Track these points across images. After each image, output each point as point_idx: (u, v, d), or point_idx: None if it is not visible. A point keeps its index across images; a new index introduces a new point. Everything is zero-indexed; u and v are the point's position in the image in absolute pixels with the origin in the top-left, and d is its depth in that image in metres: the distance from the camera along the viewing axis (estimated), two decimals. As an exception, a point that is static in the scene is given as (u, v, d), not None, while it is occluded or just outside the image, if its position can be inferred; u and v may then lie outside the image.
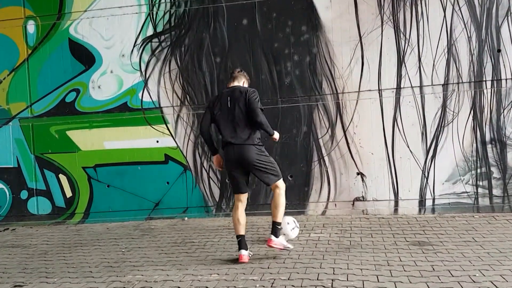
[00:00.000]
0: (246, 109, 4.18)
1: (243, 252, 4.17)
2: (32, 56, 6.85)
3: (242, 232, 4.23)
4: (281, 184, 4.29)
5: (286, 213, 6.04)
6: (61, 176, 6.80)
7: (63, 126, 6.78)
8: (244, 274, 3.81)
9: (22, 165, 6.89)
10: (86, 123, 6.72)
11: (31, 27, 6.82)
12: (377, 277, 3.57)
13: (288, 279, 3.62)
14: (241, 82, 4.45)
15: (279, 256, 4.29)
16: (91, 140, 6.71)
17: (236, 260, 4.20)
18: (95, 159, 6.71)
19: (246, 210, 6.17)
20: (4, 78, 6.91)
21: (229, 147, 4.21)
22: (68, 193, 6.79)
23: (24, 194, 6.87)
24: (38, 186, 6.85)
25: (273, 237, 4.18)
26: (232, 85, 4.41)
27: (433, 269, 3.72)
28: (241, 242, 4.21)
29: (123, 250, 4.94)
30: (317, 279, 3.57)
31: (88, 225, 6.50)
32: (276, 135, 4.44)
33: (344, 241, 4.70)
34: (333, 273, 3.69)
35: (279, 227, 4.24)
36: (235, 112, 4.20)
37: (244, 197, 4.34)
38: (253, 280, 3.65)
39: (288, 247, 4.28)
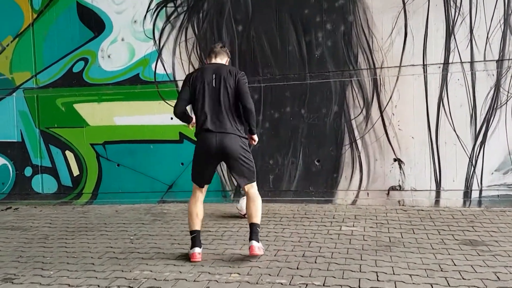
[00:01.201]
0: (234, 94, 3.58)
1: (197, 249, 3.62)
2: (38, 21, 6.28)
3: (198, 227, 3.69)
4: (255, 184, 3.74)
5: (311, 201, 5.50)
6: (67, 152, 6.30)
7: (70, 99, 6.24)
8: (269, 275, 3.23)
9: (26, 139, 6.39)
10: (95, 96, 6.17)
11: (36, -12, 6.24)
12: (432, 286, 2.96)
13: (323, 285, 3.03)
14: (224, 60, 3.81)
15: (309, 252, 3.70)
16: (100, 114, 6.17)
17: (258, 258, 3.62)
18: (104, 136, 6.18)
19: (267, 197, 5.66)
20: (7, 45, 6.37)
21: (208, 134, 3.57)
22: (75, 172, 6.30)
23: (28, 171, 6.39)
24: (43, 163, 6.36)
25: (255, 243, 3.55)
26: (213, 61, 3.76)
27: (498, 277, 3.09)
28: (196, 239, 3.66)
29: (131, 238, 4.41)
30: (359, 287, 2.97)
31: (96, 207, 6.01)
32: (256, 137, 3.85)
33: (382, 237, 4.08)
34: (377, 279, 3.09)
35: (259, 229, 3.65)
36: (220, 94, 3.57)
37: (206, 188, 3.78)
38: (281, 284, 3.07)
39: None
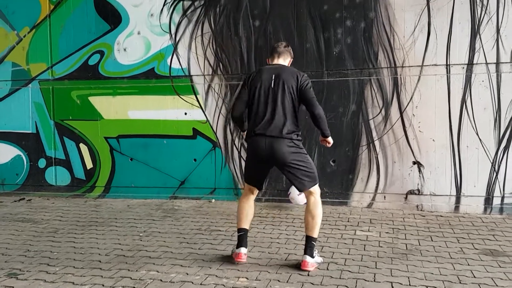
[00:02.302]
0: (293, 98, 3.34)
1: (243, 250, 3.44)
2: (55, 12, 6.24)
3: (247, 225, 3.51)
4: (317, 189, 3.46)
5: (325, 203, 5.34)
6: (81, 145, 6.27)
7: (85, 91, 6.20)
8: (279, 281, 3.11)
9: (41, 131, 6.39)
10: (110, 89, 6.12)
11: (54, -21, 6.21)
12: (449, 300, 2.81)
13: (335, 293, 2.90)
14: (287, 61, 3.58)
15: (321, 257, 3.57)
16: (114, 108, 6.13)
17: (268, 261, 3.51)
18: (118, 129, 6.14)
19: (279, 196, 5.53)
20: (24, 36, 6.36)
21: (259, 138, 3.37)
22: (89, 164, 6.27)
23: (42, 163, 6.39)
24: (57, 155, 6.35)
25: (308, 258, 3.31)
26: (275, 62, 3.53)
27: (520, 293, 2.92)
28: (243, 238, 3.48)
29: (140, 235, 4.34)
30: (372, 297, 2.84)
31: (108, 200, 5.97)
32: (331, 140, 3.58)
33: (398, 244, 3.93)
34: (392, 290, 2.94)
35: (315, 243, 3.37)
36: (278, 96, 3.33)
37: (257, 190, 3.59)
38: (290, 291, 2.95)
39: (320, 262, 3.45)
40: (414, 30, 5.05)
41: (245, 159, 3.52)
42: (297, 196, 4.68)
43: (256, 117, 3.41)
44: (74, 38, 6.18)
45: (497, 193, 4.92)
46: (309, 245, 3.34)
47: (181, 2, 5.80)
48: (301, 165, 3.38)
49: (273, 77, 3.39)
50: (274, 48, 3.61)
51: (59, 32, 6.24)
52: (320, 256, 3.51)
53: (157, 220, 4.91)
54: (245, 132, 3.63)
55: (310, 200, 3.42)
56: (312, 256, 3.33)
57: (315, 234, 3.36)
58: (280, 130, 3.33)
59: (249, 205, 3.54)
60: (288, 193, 4.87)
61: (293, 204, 4.95)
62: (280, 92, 3.35)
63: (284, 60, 3.57)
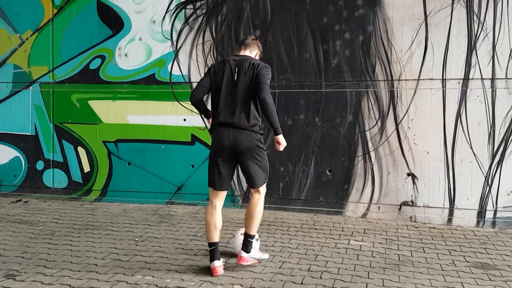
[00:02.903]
0: (253, 86, 3.32)
1: (217, 263, 3.37)
2: (58, 16, 6.31)
3: (216, 239, 3.42)
4: (264, 189, 3.50)
5: (320, 212, 5.41)
6: (79, 148, 6.31)
7: (85, 95, 6.25)
8: (272, 289, 3.17)
9: (40, 133, 6.43)
10: (110, 94, 6.17)
11: (58, -16, 6.28)
12: (439, 311, 2.87)
13: (327, 302, 2.95)
14: (254, 53, 3.56)
15: (315, 266, 3.63)
16: (114, 112, 6.18)
17: (262, 269, 3.56)
18: (117, 133, 6.18)
19: (276, 204, 5.60)
20: (26, 39, 6.42)
21: (222, 129, 3.34)
22: (86, 168, 6.31)
23: (40, 165, 6.43)
24: (55, 158, 6.39)
25: (243, 254, 3.41)
26: (241, 53, 3.52)
27: (509, 306, 2.98)
28: (215, 252, 3.39)
29: (136, 240, 4.38)
30: (363, 307, 2.89)
31: (105, 204, 6.01)
32: (282, 140, 3.47)
33: (391, 255, 3.98)
34: (383, 300, 3.00)
35: (251, 240, 3.42)
36: (239, 87, 3.32)
37: (224, 194, 3.50)
38: (284, 298, 3.00)
39: (263, 258, 3.58)
40: (412, 44, 5.14)
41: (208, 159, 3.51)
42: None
43: (218, 107, 3.39)
44: (76, 42, 6.25)
45: (489, 206, 4.98)
46: (245, 241, 3.44)
47: (184, 10, 5.88)
48: (260, 161, 3.41)
49: (236, 69, 3.37)
50: (242, 40, 3.65)
51: (61, 36, 6.30)
52: (264, 252, 3.68)
53: (153, 225, 4.95)
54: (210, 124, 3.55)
55: (255, 197, 3.44)
56: (247, 252, 3.42)
57: (252, 231, 3.42)
58: (243, 121, 3.31)
59: (217, 217, 3.43)
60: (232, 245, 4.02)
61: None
62: (242, 83, 3.33)
63: (251, 52, 3.55)
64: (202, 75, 5.73)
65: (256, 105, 3.39)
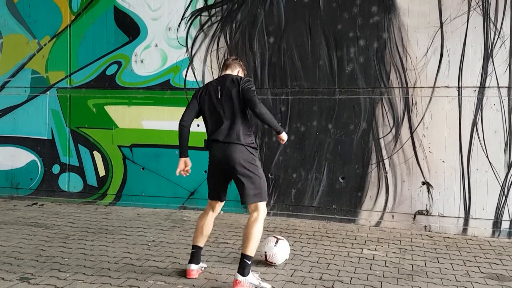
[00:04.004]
0: (239, 102, 3.39)
1: (193, 266, 3.50)
2: (75, 22, 6.42)
3: (201, 243, 3.55)
4: (262, 208, 3.37)
5: (332, 219, 5.38)
6: (95, 153, 6.39)
7: (101, 100, 6.34)
8: (283, 297, 3.16)
9: (57, 137, 6.53)
10: (126, 99, 6.25)
11: (76, -9, 6.40)
12: (452, 323, 2.82)
13: (338, 312, 2.93)
14: (235, 71, 3.64)
15: (327, 275, 3.61)
16: (129, 117, 6.25)
17: (274, 277, 3.55)
18: (132, 138, 6.25)
19: (288, 211, 5.59)
20: (45, 44, 6.54)
21: (214, 145, 3.44)
22: (101, 172, 6.38)
23: (56, 169, 6.53)
24: (71, 162, 6.48)
25: (239, 277, 3.20)
26: (223, 73, 3.63)
27: (525, 320, 2.92)
28: (195, 255, 3.52)
29: (149, 244, 4.41)
30: (375, 317, 2.86)
31: (119, 208, 6.07)
32: (284, 136, 3.49)
33: (405, 265, 3.94)
34: (395, 311, 2.96)
35: (249, 262, 3.23)
36: (225, 105, 3.41)
37: (219, 206, 3.59)
38: (295, 307, 2.99)
39: (262, 287, 3.25)
40: (427, 51, 5.10)
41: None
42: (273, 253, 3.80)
43: (211, 127, 3.49)
44: (93, 48, 6.35)
45: (505, 217, 4.90)
46: (242, 263, 3.24)
47: (199, 17, 5.94)
48: (250, 176, 3.35)
49: (219, 88, 3.46)
50: (223, 62, 3.74)
51: (78, 42, 6.41)
52: (263, 280, 3.33)
53: (166, 230, 4.98)
54: (183, 151, 3.68)
55: (252, 216, 3.33)
56: (244, 275, 3.21)
57: (249, 252, 3.25)
58: (233, 136, 3.37)
59: (206, 223, 3.55)
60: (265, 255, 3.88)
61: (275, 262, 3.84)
62: (227, 100, 3.41)
63: (232, 71, 3.63)
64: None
65: (245, 119, 3.45)
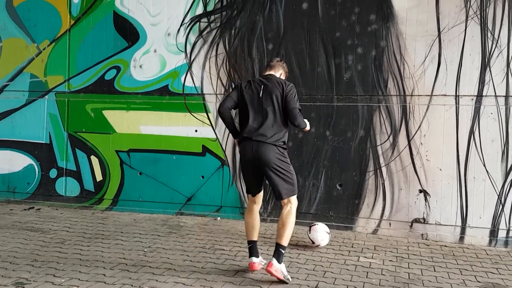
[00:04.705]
0: (279, 106, 3.59)
1: (255, 259, 3.67)
2: (74, 27, 6.44)
3: (255, 237, 3.75)
4: (294, 200, 3.67)
5: (329, 226, 5.33)
6: (92, 157, 6.39)
7: (99, 105, 6.34)
8: (279, 304, 3.15)
9: (54, 142, 6.53)
10: (124, 104, 6.25)
11: (76, -4, 6.42)
12: (448, 333, 2.82)
13: (334, 320, 2.92)
14: (279, 73, 3.84)
15: (323, 283, 3.60)
16: (127, 122, 6.25)
17: (269, 284, 3.54)
18: (129, 143, 6.25)
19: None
20: (44, 49, 6.55)
21: (247, 143, 3.60)
22: (99, 177, 6.37)
23: (53, 173, 6.51)
24: (68, 166, 6.47)
25: (275, 261, 3.49)
26: (267, 73, 3.80)
27: (521, 330, 2.91)
28: (253, 249, 3.72)
29: (145, 250, 4.40)
30: (371, 326, 2.85)
31: (115, 214, 6.05)
32: (308, 126, 3.88)
33: (401, 273, 3.93)
34: (391, 320, 2.96)
35: (283, 251, 3.55)
36: (265, 105, 3.59)
37: (259, 197, 3.82)
38: (290, 315, 2.98)
39: (288, 279, 3.54)
40: (425, 60, 5.12)
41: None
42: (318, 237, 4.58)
43: (246, 123, 3.63)
44: (92, 53, 6.36)
45: (502, 225, 4.90)
46: (277, 251, 3.52)
47: (198, 23, 5.96)
48: (283, 173, 3.58)
49: (262, 87, 3.64)
50: (268, 62, 3.96)
51: (77, 47, 6.42)
52: (288, 273, 3.63)
53: (162, 236, 4.97)
54: (236, 134, 3.83)
55: (286, 209, 3.59)
56: (279, 261, 3.48)
57: (283, 242, 3.53)
58: (266, 136, 3.54)
59: (254, 218, 3.75)
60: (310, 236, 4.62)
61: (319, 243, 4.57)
62: (268, 101, 3.58)
63: (275, 72, 3.82)
64: (215, 88, 5.87)
65: (281, 120, 3.62)
